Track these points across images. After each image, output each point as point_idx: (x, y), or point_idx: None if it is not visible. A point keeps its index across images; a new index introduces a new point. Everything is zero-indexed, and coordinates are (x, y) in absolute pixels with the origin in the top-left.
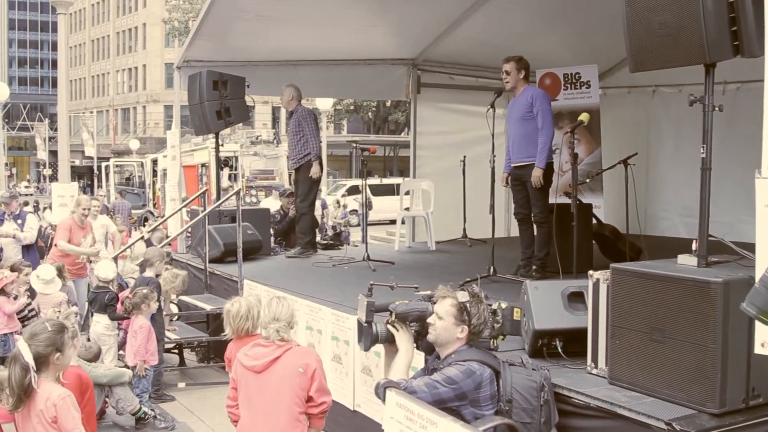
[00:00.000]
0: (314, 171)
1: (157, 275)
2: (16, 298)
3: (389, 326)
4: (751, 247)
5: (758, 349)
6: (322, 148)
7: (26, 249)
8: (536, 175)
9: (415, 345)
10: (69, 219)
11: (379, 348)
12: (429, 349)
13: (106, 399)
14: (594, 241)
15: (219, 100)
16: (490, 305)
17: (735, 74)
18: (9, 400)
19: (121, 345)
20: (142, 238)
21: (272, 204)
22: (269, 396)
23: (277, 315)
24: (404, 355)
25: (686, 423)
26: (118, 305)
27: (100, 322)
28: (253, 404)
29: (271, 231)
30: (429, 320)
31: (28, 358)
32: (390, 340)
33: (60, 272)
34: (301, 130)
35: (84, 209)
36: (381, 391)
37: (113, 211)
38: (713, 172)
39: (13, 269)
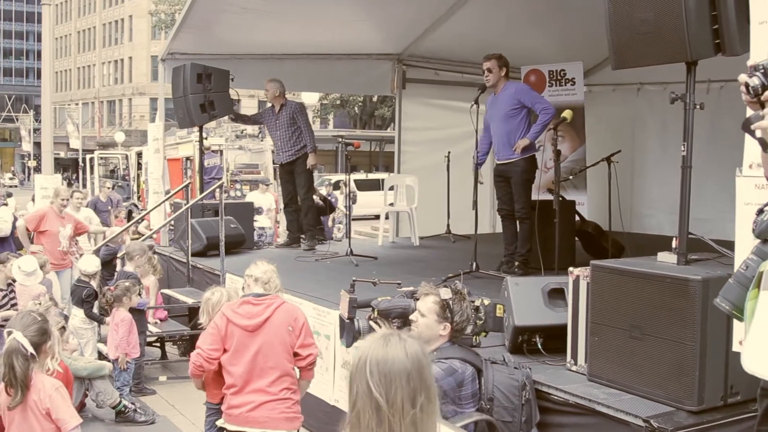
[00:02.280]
0: (311, 162)
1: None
2: None
3: (371, 322)
4: (734, 245)
5: (737, 347)
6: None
7: (1, 241)
8: (521, 144)
9: None
10: (46, 207)
11: (362, 342)
12: None
13: (86, 392)
14: (577, 238)
15: (203, 93)
16: (473, 302)
17: (719, 73)
18: (15, 395)
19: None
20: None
21: (257, 198)
22: (263, 353)
23: (267, 269)
24: None
25: (664, 420)
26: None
27: (77, 316)
28: (248, 361)
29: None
30: (411, 317)
31: (30, 348)
32: None
33: (42, 266)
34: (295, 123)
35: (63, 199)
36: None
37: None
38: (698, 170)
39: None
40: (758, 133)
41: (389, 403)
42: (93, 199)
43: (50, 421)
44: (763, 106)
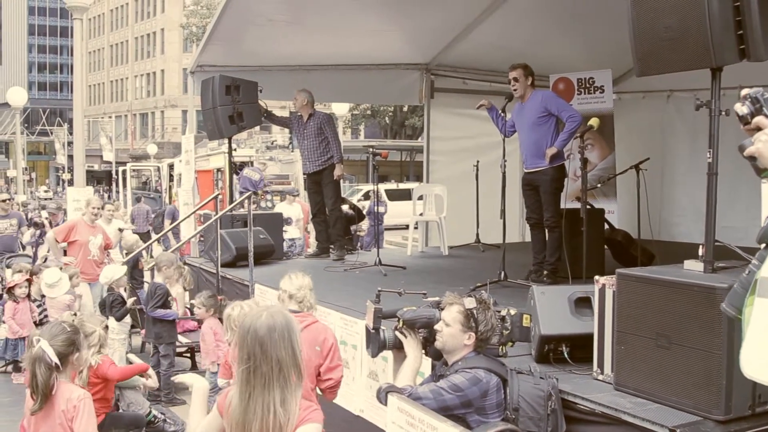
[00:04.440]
0: (338, 173)
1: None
2: (30, 297)
3: (397, 332)
4: None
5: None
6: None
7: None
8: (549, 153)
9: (423, 351)
10: (77, 219)
11: (387, 353)
12: (437, 356)
13: (117, 402)
14: (606, 247)
15: (231, 105)
16: (499, 311)
17: (752, 79)
18: (36, 402)
19: None
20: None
21: (285, 208)
22: None
23: (302, 284)
24: (412, 362)
25: (691, 430)
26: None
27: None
28: None
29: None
30: (436, 327)
31: (54, 358)
32: (398, 347)
33: (71, 277)
34: (323, 133)
35: (93, 208)
36: (383, 395)
37: (132, 218)
38: (730, 177)
39: (32, 273)
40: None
41: (235, 357)
42: (170, 208)
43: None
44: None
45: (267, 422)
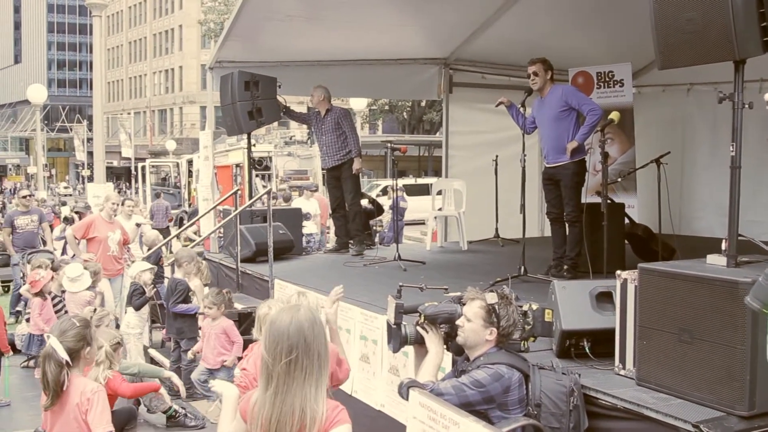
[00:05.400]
0: (357, 166)
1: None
2: (50, 294)
3: (419, 328)
4: None
5: None
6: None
7: None
8: (570, 147)
9: (444, 346)
10: (95, 215)
11: (408, 348)
12: (458, 351)
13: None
14: (627, 241)
15: (251, 101)
16: (521, 306)
17: None
18: (48, 398)
19: None
20: (176, 236)
21: (302, 204)
22: None
23: None
24: (433, 357)
25: (714, 425)
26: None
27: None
28: None
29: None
30: (458, 322)
31: (63, 354)
32: (419, 342)
33: (95, 273)
34: (340, 128)
35: (113, 203)
36: (404, 390)
37: (151, 214)
38: (752, 171)
39: (53, 269)
40: None
41: (269, 352)
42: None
43: (87, 424)
44: None
45: (304, 416)
